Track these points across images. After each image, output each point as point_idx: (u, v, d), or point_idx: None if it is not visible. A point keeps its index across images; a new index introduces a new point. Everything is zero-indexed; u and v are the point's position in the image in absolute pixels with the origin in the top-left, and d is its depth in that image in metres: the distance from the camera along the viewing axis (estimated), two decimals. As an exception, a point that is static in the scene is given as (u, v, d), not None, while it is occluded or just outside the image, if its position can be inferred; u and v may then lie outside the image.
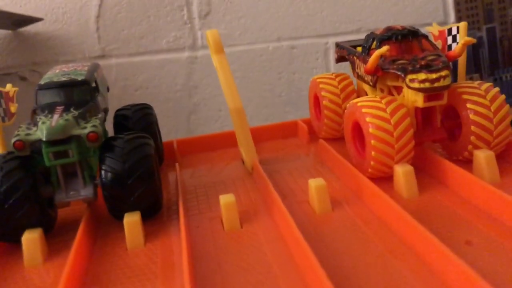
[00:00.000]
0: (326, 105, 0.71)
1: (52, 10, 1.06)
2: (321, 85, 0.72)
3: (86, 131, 0.51)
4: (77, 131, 0.51)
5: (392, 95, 0.60)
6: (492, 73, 1.19)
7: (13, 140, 0.50)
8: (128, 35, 1.08)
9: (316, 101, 0.76)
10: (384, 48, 0.56)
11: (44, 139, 0.50)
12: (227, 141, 0.79)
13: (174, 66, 1.10)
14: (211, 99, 1.12)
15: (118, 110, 0.70)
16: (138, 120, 0.68)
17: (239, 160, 0.73)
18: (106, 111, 0.61)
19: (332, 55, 1.14)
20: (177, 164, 0.70)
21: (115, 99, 0.99)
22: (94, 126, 0.52)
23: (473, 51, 1.18)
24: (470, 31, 1.16)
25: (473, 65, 1.18)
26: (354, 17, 1.14)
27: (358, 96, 0.71)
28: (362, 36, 0.66)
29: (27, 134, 0.51)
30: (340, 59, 0.74)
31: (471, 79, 1.17)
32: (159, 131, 0.73)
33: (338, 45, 0.74)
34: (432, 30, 0.68)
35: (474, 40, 0.56)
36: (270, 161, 0.71)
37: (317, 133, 0.77)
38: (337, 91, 0.71)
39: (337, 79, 0.73)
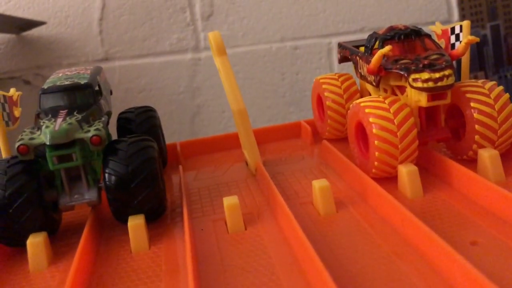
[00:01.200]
0: (329, 105, 0.71)
1: (55, 13, 1.07)
2: (324, 86, 0.72)
3: (89, 134, 0.51)
4: (80, 135, 0.51)
5: (396, 95, 0.59)
6: (497, 71, 1.18)
7: (17, 144, 0.50)
8: (131, 37, 1.09)
9: (319, 101, 0.75)
10: (387, 48, 0.55)
11: (48, 143, 0.50)
12: (231, 143, 0.79)
13: (177, 68, 1.10)
14: (215, 101, 1.12)
15: (121, 113, 0.70)
16: (141, 123, 0.68)
17: (242, 161, 0.73)
18: (109, 114, 0.61)
19: (336, 55, 1.14)
20: (180, 167, 0.70)
21: (119, 102, 1.00)
22: (97, 129, 0.52)
23: (477, 49, 1.17)
24: (473, 29, 1.15)
25: (477, 63, 1.18)
26: (357, 17, 1.14)
27: (361, 96, 0.71)
28: (365, 35, 0.66)
29: (31, 139, 0.51)
30: (343, 59, 0.74)
31: (475, 77, 1.17)
32: (162, 134, 0.73)
33: (340, 45, 0.74)
34: (435, 29, 0.68)
35: (477, 39, 0.56)
36: (274, 162, 0.71)
37: (320, 133, 0.77)
38: (340, 91, 0.71)
39: (340, 79, 0.72)
